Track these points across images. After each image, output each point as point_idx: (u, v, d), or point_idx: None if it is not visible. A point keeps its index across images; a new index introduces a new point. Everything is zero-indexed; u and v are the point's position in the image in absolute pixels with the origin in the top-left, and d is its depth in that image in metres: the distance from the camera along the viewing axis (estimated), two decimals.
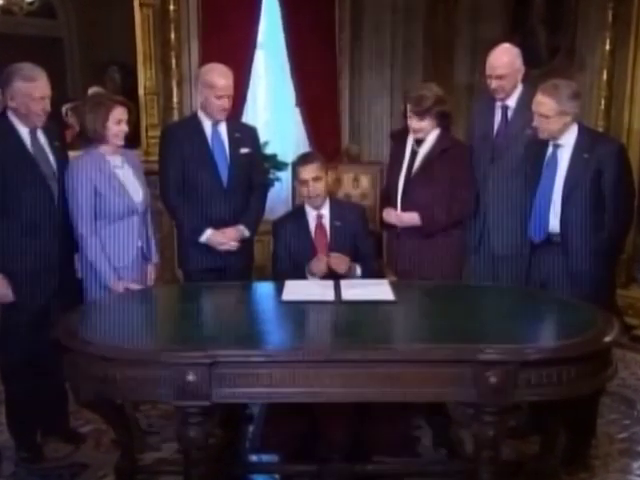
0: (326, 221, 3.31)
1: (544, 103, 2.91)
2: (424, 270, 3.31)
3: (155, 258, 3.33)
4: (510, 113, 3.39)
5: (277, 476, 3.05)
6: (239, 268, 3.40)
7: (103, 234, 3.03)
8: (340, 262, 3.20)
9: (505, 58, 3.32)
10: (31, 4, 4.47)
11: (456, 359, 2.19)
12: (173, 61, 4.97)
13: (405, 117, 3.38)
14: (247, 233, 3.37)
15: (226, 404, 2.33)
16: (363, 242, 3.30)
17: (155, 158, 3.62)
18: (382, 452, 3.01)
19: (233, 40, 5.04)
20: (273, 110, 5.70)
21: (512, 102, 3.38)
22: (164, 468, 2.99)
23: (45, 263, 2.94)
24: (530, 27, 5.34)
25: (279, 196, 5.07)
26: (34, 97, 2.84)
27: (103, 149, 3.07)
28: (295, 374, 2.21)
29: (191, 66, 5.08)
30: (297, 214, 3.37)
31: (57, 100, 3.21)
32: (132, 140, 3.40)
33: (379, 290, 2.87)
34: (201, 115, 3.35)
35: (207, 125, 3.33)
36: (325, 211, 3.32)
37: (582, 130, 2.99)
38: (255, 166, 3.44)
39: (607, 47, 4.80)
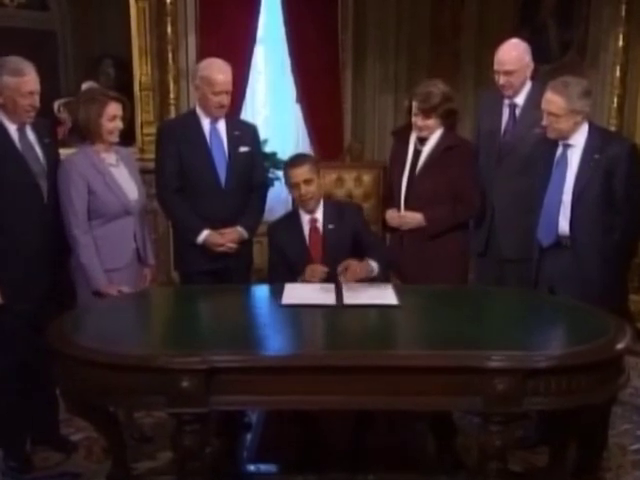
0: (320, 225, 3.25)
1: (554, 101, 2.91)
2: (428, 273, 3.30)
3: (151, 260, 3.33)
4: (518, 111, 3.39)
5: None
6: (237, 270, 3.40)
7: (96, 235, 3.03)
8: (355, 271, 3.00)
9: (514, 53, 3.32)
10: None
11: (462, 366, 2.19)
12: (170, 55, 4.96)
13: (409, 114, 3.38)
14: (246, 235, 3.37)
15: (223, 411, 2.33)
16: (366, 235, 3.26)
17: (151, 156, 3.63)
18: (384, 461, 3.01)
19: (232, 34, 5.05)
20: (273, 107, 5.71)
21: (520, 100, 3.38)
22: (158, 478, 2.99)
23: (34, 265, 2.94)
24: (540, 22, 5.35)
25: (279, 196, 5.06)
26: (22, 92, 2.84)
27: (97, 146, 3.07)
28: (294, 381, 2.21)
29: (188, 61, 5.08)
30: (291, 218, 3.32)
31: (49, 95, 3.21)
32: (127, 137, 3.41)
33: (382, 294, 2.87)
34: (199, 112, 3.35)
35: (205, 122, 3.34)
36: (319, 215, 3.25)
37: (593, 129, 2.98)
38: (255, 165, 3.44)
39: (620, 43, 4.80)
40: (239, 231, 3.35)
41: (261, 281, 3.50)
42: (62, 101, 4.63)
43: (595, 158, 2.91)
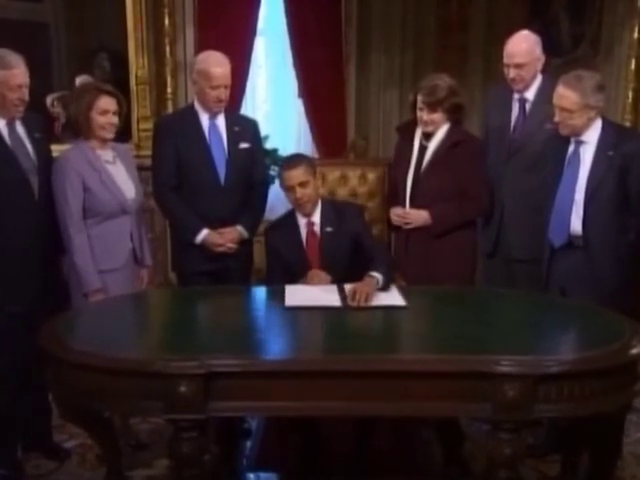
0: (318, 229, 3.22)
1: (566, 96, 2.90)
2: (434, 273, 3.31)
3: (148, 261, 3.33)
4: (528, 106, 3.39)
5: None
6: (237, 271, 3.40)
7: (91, 234, 3.02)
8: (364, 292, 2.81)
9: (524, 45, 3.32)
10: None
11: (470, 371, 2.18)
12: (167, 48, 4.96)
13: (414, 109, 3.38)
14: (246, 234, 3.37)
15: (222, 418, 2.33)
16: (367, 238, 3.24)
17: (147, 153, 3.62)
18: (387, 469, 3.00)
19: (231, 26, 5.05)
20: (274, 102, 5.71)
21: (531, 94, 3.38)
22: None
23: (25, 265, 2.93)
24: (551, 14, 5.34)
25: (279, 194, 5.03)
26: (11, 86, 2.83)
27: (93, 142, 3.07)
28: (296, 386, 2.21)
29: (186, 54, 5.08)
30: (288, 221, 3.28)
31: (41, 89, 3.21)
32: (123, 133, 3.40)
33: (388, 295, 2.87)
34: (197, 107, 3.35)
35: (204, 118, 3.33)
36: (316, 218, 3.22)
37: (607, 125, 2.98)
38: (255, 162, 3.43)
39: (635, 35, 4.79)
40: (239, 230, 3.35)
41: (261, 282, 3.49)
42: (56, 95, 4.63)
43: (609, 155, 2.91)
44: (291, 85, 5.59)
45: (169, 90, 5.00)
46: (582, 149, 2.98)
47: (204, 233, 3.29)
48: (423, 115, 3.31)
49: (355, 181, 3.90)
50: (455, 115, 3.35)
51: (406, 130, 3.53)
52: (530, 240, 3.29)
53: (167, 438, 2.33)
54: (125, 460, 2.96)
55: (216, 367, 2.17)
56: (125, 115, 3.21)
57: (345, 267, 3.12)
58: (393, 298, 2.84)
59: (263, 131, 3.92)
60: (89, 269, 3.01)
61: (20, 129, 2.97)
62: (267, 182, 3.73)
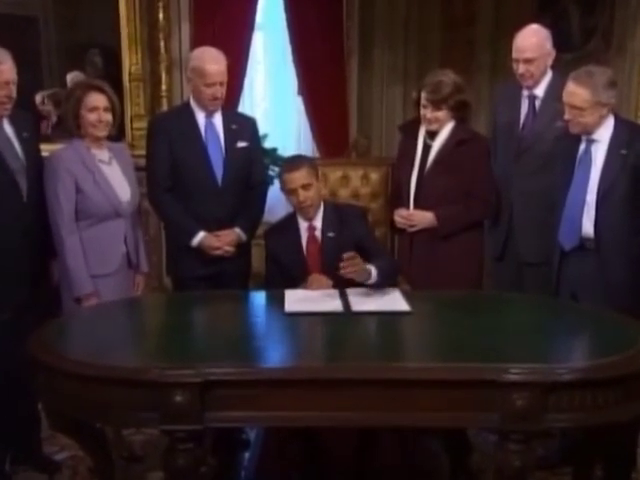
0: (319, 233, 3.21)
1: (577, 93, 2.90)
2: (439, 277, 3.31)
3: (144, 267, 3.33)
4: (538, 103, 3.40)
5: None
6: (235, 275, 3.40)
7: (84, 237, 3.03)
8: (355, 263, 2.88)
9: (534, 39, 3.33)
10: None
11: (477, 380, 2.18)
12: (162, 44, 4.97)
13: (417, 107, 3.38)
14: (244, 237, 3.37)
15: (219, 428, 2.32)
16: (370, 243, 3.24)
17: (141, 152, 3.63)
18: None
19: (228, 21, 5.06)
20: (273, 99, 5.71)
21: (540, 91, 3.39)
22: None
23: (13, 269, 2.93)
24: (561, 7, 5.34)
25: (278, 195, 5.04)
26: None
27: (87, 141, 3.07)
28: (296, 395, 2.20)
29: (181, 50, 5.09)
30: (288, 225, 3.27)
31: (30, 86, 3.21)
32: (115, 132, 3.39)
33: (391, 300, 2.88)
34: (193, 105, 3.35)
35: (200, 116, 3.34)
36: (318, 222, 3.21)
37: (619, 123, 2.98)
38: (253, 162, 3.44)
39: None
40: (236, 233, 3.35)
41: (260, 287, 3.50)
42: (46, 92, 4.64)
43: (622, 154, 2.91)
44: (291, 82, 5.60)
45: (164, 87, 5.01)
46: (594, 148, 2.98)
47: (200, 236, 3.29)
48: (427, 113, 3.32)
49: (357, 182, 3.90)
50: (460, 113, 3.36)
51: (410, 129, 3.53)
52: (540, 243, 3.30)
53: (162, 450, 2.32)
54: (118, 473, 2.95)
55: (213, 376, 2.17)
56: (119, 113, 3.21)
57: None
58: (397, 303, 2.84)
59: (262, 130, 3.93)
60: (81, 273, 3.01)
61: (8, 128, 2.97)
62: (266, 183, 3.74)
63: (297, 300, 2.86)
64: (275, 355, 2.52)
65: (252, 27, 5.25)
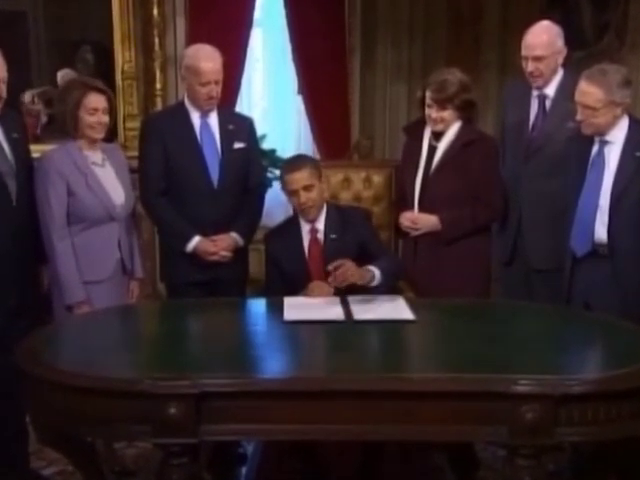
0: (321, 236, 3.22)
1: (590, 93, 2.90)
2: (445, 284, 3.31)
3: (139, 273, 3.33)
4: (548, 103, 3.40)
5: None
6: (232, 281, 3.40)
7: (76, 242, 3.03)
8: (345, 273, 2.93)
9: (544, 36, 3.33)
10: None
11: (485, 392, 2.17)
12: (156, 41, 4.99)
13: (422, 107, 3.39)
14: (241, 242, 3.37)
15: (215, 442, 2.32)
16: (374, 245, 3.25)
17: (134, 153, 3.63)
18: None
19: (225, 16, 5.07)
20: (271, 98, 5.74)
21: (551, 90, 3.39)
22: None
23: (1, 275, 2.92)
24: (572, 2, 5.35)
25: (277, 198, 5.05)
26: None
27: (81, 142, 3.07)
28: (295, 407, 2.20)
29: (177, 47, 5.11)
30: (290, 226, 3.29)
31: (18, 85, 3.21)
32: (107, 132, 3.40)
33: (395, 308, 2.87)
34: (188, 104, 3.36)
35: (195, 116, 3.34)
36: (320, 224, 3.22)
37: (634, 124, 2.99)
38: (251, 163, 3.44)
39: None
40: (233, 237, 3.35)
41: (258, 294, 3.50)
42: (36, 91, 4.64)
43: (636, 156, 2.91)
44: (290, 80, 5.62)
45: (158, 86, 5.02)
46: (607, 150, 2.99)
47: (195, 241, 3.29)
48: (432, 113, 3.32)
49: (359, 184, 3.90)
50: (466, 113, 3.36)
51: (414, 130, 3.54)
52: (550, 249, 3.30)
53: (155, 464, 2.32)
54: None
55: (209, 387, 2.16)
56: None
57: None
58: (401, 311, 2.83)
59: (260, 130, 3.94)
60: (73, 279, 3.01)
61: None
62: (264, 185, 3.74)
63: (297, 308, 2.86)
64: (274, 365, 2.51)
65: (250, 23, 5.27)
